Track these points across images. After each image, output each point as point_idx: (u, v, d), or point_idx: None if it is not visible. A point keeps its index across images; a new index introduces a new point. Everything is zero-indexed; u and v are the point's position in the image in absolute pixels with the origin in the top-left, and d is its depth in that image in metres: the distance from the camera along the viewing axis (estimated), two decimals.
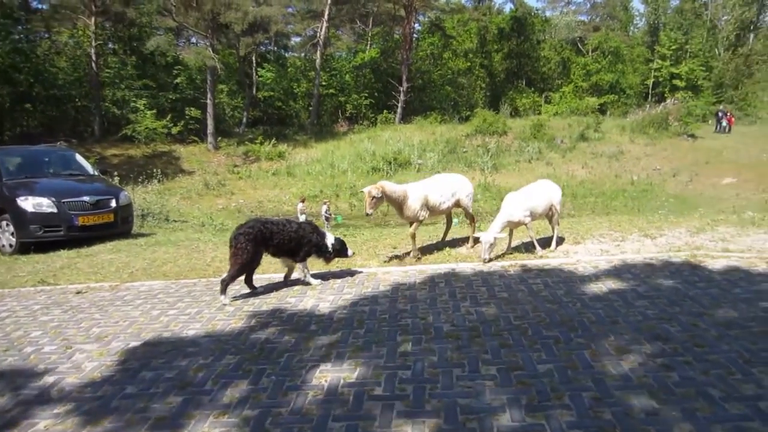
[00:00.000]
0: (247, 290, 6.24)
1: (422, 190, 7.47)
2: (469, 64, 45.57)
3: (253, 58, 39.12)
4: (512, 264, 6.77)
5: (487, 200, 23.39)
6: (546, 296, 5.46)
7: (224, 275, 5.92)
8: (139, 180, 21.66)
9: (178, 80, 33.05)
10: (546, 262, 6.84)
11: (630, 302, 5.16)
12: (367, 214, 7.18)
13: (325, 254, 6.38)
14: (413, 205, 7.31)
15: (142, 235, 12.30)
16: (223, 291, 5.85)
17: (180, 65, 33.26)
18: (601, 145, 31.16)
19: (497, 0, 56.85)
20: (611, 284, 5.76)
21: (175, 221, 17.74)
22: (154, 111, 29.69)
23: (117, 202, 11.18)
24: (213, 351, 4.56)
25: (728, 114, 35.95)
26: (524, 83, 46.69)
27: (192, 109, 31.68)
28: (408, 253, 7.62)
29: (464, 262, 7.07)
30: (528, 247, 7.56)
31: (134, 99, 30.02)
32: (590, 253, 7.25)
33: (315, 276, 6.50)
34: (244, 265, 5.88)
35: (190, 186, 25.79)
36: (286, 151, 31.23)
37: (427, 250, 7.91)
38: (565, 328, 4.62)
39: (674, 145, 30.93)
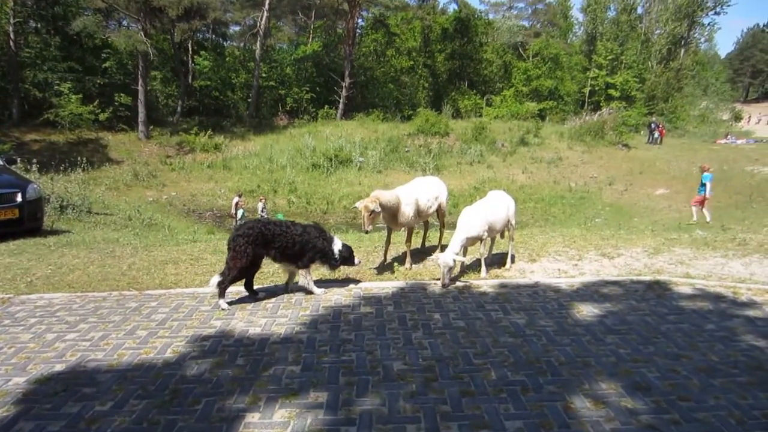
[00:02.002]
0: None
1: (412, 195, 6.90)
2: (412, 62, 45.30)
3: (189, 46, 37.09)
4: (466, 285, 6.24)
5: None
6: (507, 327, 4.93)
7: (216, 278, 5.36)
8: (62, 168, 19.77)
9: (107, 64, 30.72)
10: (502, 282, 6.34)
11: (599, 338, 4.72)
12: (366, 232, 6.47)
13: (331, 261, 5.89)
14: (407, 210, 6.75)
15: (55, 232, 10.95)
16: (221, 295, 5.39)
17: (109, 49, 30.90)
18: (540, 150, 31.65)
19: None
20: (576, 314, 5.32)
21: (98, 214, 16.24)
22: (80, 95, 27.41)
23: (24, 196, 9.78)
24: (114, 393, 3.72)
25: (660, 126, 37.55)
26: (466, 85, 46.94)
27: (122, 95, 29.56)
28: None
29: (414, 280, 6.46)
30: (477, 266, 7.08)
31: (58, 82, 27.62)
32: (548, 273, 6.83)
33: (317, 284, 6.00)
34: (243, 268, 5.40)
35: (118, 176, 23.96)
36: (223, 144, 29.74)
37: (370, 264, 7.26)
38: (533, 371, 4.08)
39: (610, 154, 31.87)
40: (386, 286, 6.18)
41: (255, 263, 5.55)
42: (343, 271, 6.65)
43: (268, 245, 5.46)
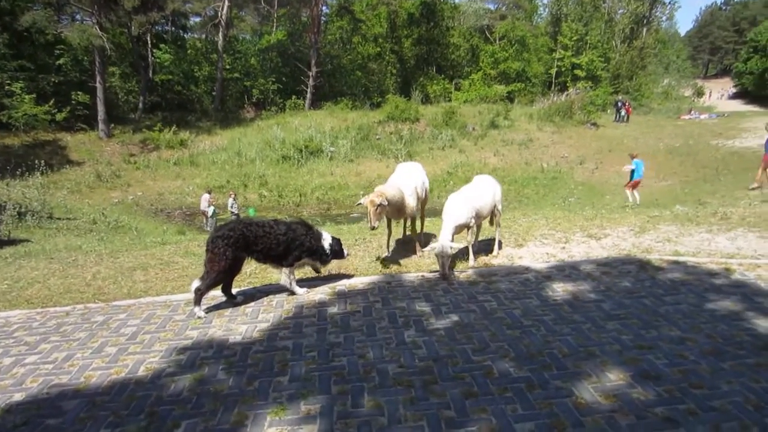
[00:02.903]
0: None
1: (411, 185, 6.66)
2: (379, 49, 44.65)
3: (148, 39, 35.72)
4: (456, 274, 5.97)
5: None
6: (503, 318, 4.69)
7: (197, 282, 4.95)
8: (18, 172, 18.80)
9: (61, 61, 29.26)
10: (491, 270, 6.10)
11: (600, 325, 4.51)
12: (373, 228, 6.10)
13: (322, 257, 5.55)
14: (410, 201, 6.55)
15: (12, 242, 10.31)
16: (198, 302, 5.05)
17: (63, 45, 29.45)
18: (511, 132, 31.59)
19: None
20: (571, 299, 5.11)
21: (60, 219, 15.51)
22: (34, 95, 26.08)
23: None
24: (83, 422, 3.34)
25: (626, 104, 37.93)
26: (434, 70, 46.51)
27: (79, 93, 28.24)
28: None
29: (401, 273, 6.17)
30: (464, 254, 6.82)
31: (9, 81, 26.21)
32: (536, 258, 6.61)
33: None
34: (222, 272, 5.02)
35: (80, 178, 22.97)
36: (189, 139, 28.79)
37: (356, 257, 6.93)
38: (537, 365, 3.85)
39: (579, 134, 32.03)
40: (371, 281, 5.87)
41: (235, 267, 5.20)
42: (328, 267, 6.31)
43: (249, 247, 5.11)
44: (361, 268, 6.38)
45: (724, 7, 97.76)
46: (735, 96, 61.27)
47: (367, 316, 4.85)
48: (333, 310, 5.03)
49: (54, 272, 6.90)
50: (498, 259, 6.64)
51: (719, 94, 63.15)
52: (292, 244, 5.28)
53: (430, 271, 6.14)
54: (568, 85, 44.86)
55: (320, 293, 5.50)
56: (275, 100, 37.17)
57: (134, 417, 3.36)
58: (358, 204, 6.41)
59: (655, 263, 6.13)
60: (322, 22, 40.68)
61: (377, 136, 29.74)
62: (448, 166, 25.54)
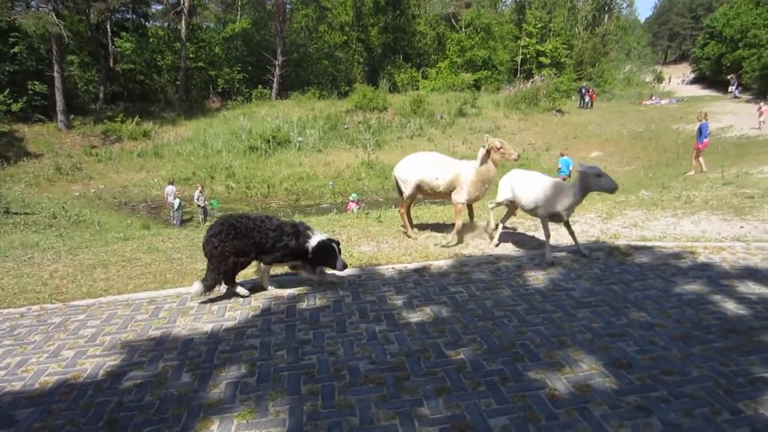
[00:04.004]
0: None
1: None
2: (345, 37, 44.26)
3: (108, 27, 34.54)
4: (426, 266, 5.90)
5: (372, 178, 22.70)
6: (474, 310, 4.64)
7: (198, 284, 4.97)
8: None
9: (15, 49, 28.01)
10: (462, 260, 6.06)
11: (571, 313, 4.51)
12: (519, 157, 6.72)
13: (304, 261, 5.28)
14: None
15: None
16: (232, 284, 5.17)
17: (17, 32, 28.19)
18: (478, 120, 31.76)
19: None
20: (542, 288, 5.10)
21: (17, 214, 14.92)
22: None
23: None
24: None
25: (590, 90, 38.55)
26: (401, 58, 46.38)
27: (36, 83, 27.19)
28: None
29: (372, 266, 6.07)
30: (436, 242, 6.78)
31: None
32: (507, 247, 6.60)
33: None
34: (230, 270, 5.04)
35: (38, 171, 22.15)
36: (152, 130, 28.06)
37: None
38: (509, 357, 3.81)
39: (545, 120, 32.42)
40: (340, 275, 5.73)
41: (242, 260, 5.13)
42: None
43: (243, 240, 5.01)
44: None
45: None
46: (694, 81, 62.90)
47: (337, 311, 4.75)
48: (302, 305, 4.90)
49: (8, 271, 6.57)
50: (468, 249, 6.61)
51: (679, 79, 64.72)
52: (277, 242, 5.11)
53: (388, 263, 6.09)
54: (533, 72, 45.31)
55: (289, 288, 5.36)
56: (241, 90, 36.51)
57: (93, 425, 3.19)
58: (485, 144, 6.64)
59: (623, 249, 6.19)
60: (288, 10, 40.01)
61: (345, 126, 29.51)
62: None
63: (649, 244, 6.37)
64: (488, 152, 6.61)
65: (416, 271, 5.72)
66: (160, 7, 38.32)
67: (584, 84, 41.38)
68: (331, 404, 3.31)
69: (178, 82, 34.74)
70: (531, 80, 39.85)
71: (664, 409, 3.17)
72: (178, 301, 5.13)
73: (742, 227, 7.17)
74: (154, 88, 34.79)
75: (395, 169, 7.28)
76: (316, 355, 3.94)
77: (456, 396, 3.37)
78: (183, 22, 33.65)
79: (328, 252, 5.16)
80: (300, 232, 5.21)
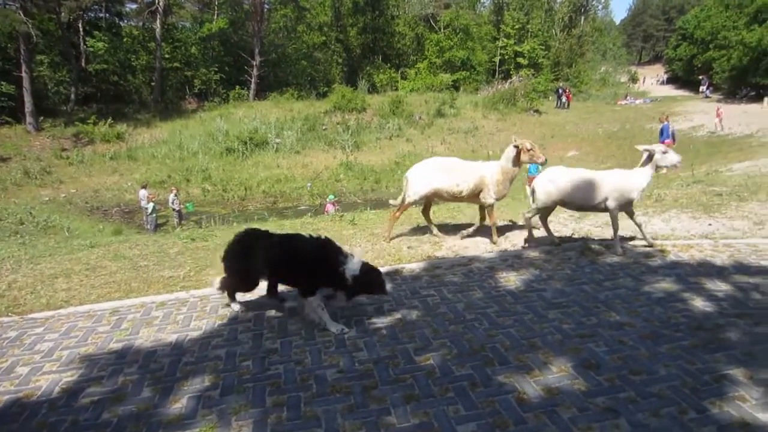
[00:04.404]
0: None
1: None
2: (324, 38, 44.05)
3: (80, 26, 33.82)
4: (398, 269, 5.84)
5: (350, 179, 22.59)
6: (446, 314, 4.60)
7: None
8: None
9: None
10: (434, 262, 6.01)
11: (542, 314, 4.50)
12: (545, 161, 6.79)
13: (344, 289, 4.42)
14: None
15: None
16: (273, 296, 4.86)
17: None
18: (457, 121, 31.86)
19: None
20: (513, 289, 5.08)
21: None
22: None
23: None
24: None
25: (566, 90, 38.95)
26: (380, 59, 46.35)
27: (3, 83, 26.49)
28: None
29: None
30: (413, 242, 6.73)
31: None
32: (480, 248, 6.59)
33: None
34: (237, 286, 4.80)
35: (5, 175, 21.55)
36: (126, 132, 27.52)
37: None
38: (479, 361, 3.77)
39: (522, 120, 32.65)
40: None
41: (250, 281, 4.75)
42: None
43: (256, 259, 4.56)
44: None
45: None
46: (667, 81, 64.03)
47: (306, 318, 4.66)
48: (271, 313, 4.81)
49: None
50: (442, 251, 6.57)
51: (653, 79, 65.79)
52: (310, 265, 4.38)
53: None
54: (511, 72, 45.68)
55: (256, 296, 5.24)
56: (218, 91, 36.07)
57: None
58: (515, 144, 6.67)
59: (594, 248, 6.21)
60: (265, 10, 39.66)
61: (324, 127, 29.35)
62: (395, 155, 25.49)
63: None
64: (519, 152, 6.64)
65: (388, 274, 5.64)
66: (134, 6, 37.66)
67: (561, 84, 41.79)
68: (297, 416, 3.23)
69: (153, 83, 34.16)
70: (509, 81, 40.14)
71: (631, 410, 3.17)
72: (143, 311, 4.98)
73: (710, 225, 7.27)
74: (128, 89, 34.18)
75: (408, 174, 7.13)
76: (283, 365, 3.86)
77: (424, 403, 3.31)
78: (158, 21, 33.08)
79: (377, 276, 4.49)
80: (338, 253, 4.44)
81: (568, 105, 37.66)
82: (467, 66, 45.18)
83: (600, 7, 61.29)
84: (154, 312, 4.95)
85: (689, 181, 11.42)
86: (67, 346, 4.31)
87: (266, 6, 40.08)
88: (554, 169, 6.36)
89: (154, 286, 5.65)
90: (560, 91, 38.64)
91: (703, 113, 31.71)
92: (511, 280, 5.35)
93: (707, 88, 46.10)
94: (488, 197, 6.73)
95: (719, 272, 5.34)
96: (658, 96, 46.94)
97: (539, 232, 6.89)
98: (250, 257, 4.51)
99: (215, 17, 40.56)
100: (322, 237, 4.59)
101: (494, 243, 6.82)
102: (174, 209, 17.29)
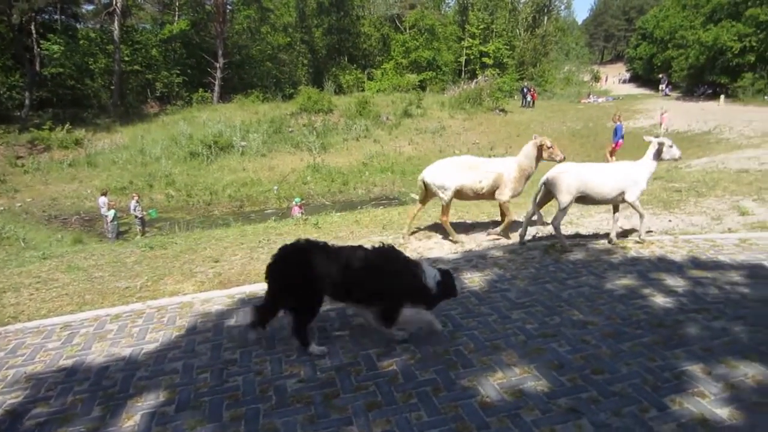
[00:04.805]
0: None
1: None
2: (289, 39, 43.66)
3: (33, 28, 32.68)
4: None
5: (318, 181, 22.39)
6: None
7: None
8: None
9: None
10: None
11: (505, 315, 4.48)
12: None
13: (426, 301, 4.04)
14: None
15: None
16: (306, 342, 3.96)
17: None
18: (424, 121, 31.95)
19: None
20: (477, 290, 5.06)
21: None
22: None
23: None
24: None
25: (531, 90, 39.48)
26: (346, 60, 46.23)
27: None
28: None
29: None
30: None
31: None
32: (445, 249, 6.56)
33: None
34: (306, 310, 3.94)
35: None
36: (85, 138, 26.68)
37: (259, 261, 6.55)
38: (443, 365, 3.73)
39: (489, 120, 32.95)
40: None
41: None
42: (225, 274, 5.91)
43: (314, 275, 3.89)
44: (263, 272, 5.96)
45: None
46: (629, 80, 65.69)
47: (268, 324, 4.53)
48: (230, 322, 4.66)
49: None
50: (406, 252, 6.49)
51: (615, 78, 67.39)
52: (384, 280, 3.87)
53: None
54: (477, 72, 46.08)
55: (217, 304, 5.10)
56: (181, 94, 35.38)
57: None
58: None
59: (557, 247, 6.25)
60: (228, 11, 39.08)
61: (290, 129, 29.05)
62: (363, 156, 25.39)
63: (582, 241, 6.45)
64: (539, 149, 6.77)
65: None
66: (90, 8, 36.61)
67: (526, 83, 42.34)
68: (255, 429, 3.12)
69: (112, 87, 33.27)
70: (475, 80, 40.45)
71: (594, 410, 3.17)
72: (96, 324, 4.77)
73: (670, 221, 7.41)
74: (86, 93, 33.15)
75: (426, 176, 7.00)
76: (242, 376, 3.73)
77: (387, 411, 3.25)
78: (116, 23, 32.23)
79: (452, 278, 4.19)
80: (412, 263, 4.11)
81: (533, 104, 38.19)
82: (433, 66, 45.41)
83: (562, 7, 62.56)
84: (108, 325, 4.74)
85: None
86: (12, 365, 4.08)
87: (229, 7, 39.52)
88: (569, 165, 6.44)
89: (108, 298, 5.43)
90: (525, 90, 39.14)
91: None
92: (475, 280, 5.32)
93: (666, 87, 47.44)
94: (504, 194, 6.82)
95: (679, 268, 5.43)
96: (620, 94, 48.06)
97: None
98: (314, 276, 3.82)
99: (176, 19, 39.78)
100: (385, 245, 4.10)
101: (507, 238, 6.96)
102: (136, 216, 16.82)
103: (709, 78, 40.37)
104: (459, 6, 53.46)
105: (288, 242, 4.19)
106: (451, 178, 6.78)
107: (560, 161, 6.81)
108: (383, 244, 4.14)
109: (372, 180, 22.49)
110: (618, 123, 17.04)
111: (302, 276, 3.82)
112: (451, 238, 7.01)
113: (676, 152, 6.35)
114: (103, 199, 16.82)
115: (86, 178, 22.63)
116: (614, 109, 35.55)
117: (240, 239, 7.32)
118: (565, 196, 6.12)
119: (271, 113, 30.99)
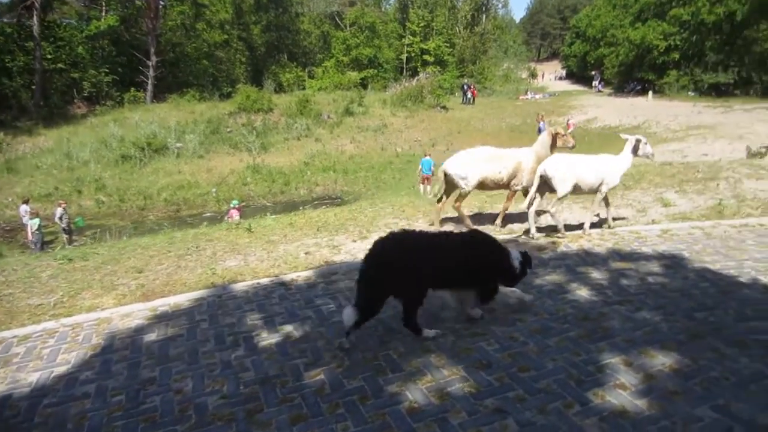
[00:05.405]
0: None
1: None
2: (226, 36, 42.50)
3: None
4: (294, 278, 5.59)
5: (258, 182, 21.88)
6: (340, 323, 4.37)
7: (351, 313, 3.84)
8: None
9: None
10: (332, 269, 5.82)
11: (437, 315, 4.45)
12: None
13: (513, 279, 4.39)
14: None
15: None
16: (418, 330, 4.03)
17: None
18: (366, 119, 31.88)
19: None
20: None
21: None
22: None
23: None
24: None
25: (471, 87, 40.15)
26: (286, 57, 45.58)
27: None
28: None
29: (236, 282, 5.63)
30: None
31: None
32: None
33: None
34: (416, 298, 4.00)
35: None
36: (3, 142, 25.00)
37: (186, 269, 6.26)
38: (371, 371, 3.64)
39: (430, 117, 33.23)
40: (199, 296, 5.24)
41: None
42: (149, 285, 5.60)
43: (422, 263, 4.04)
44: (190, 282, 5.74)
45: None
46: (566, 77, 67.99)
47: (190, 339, 4.31)
48: (151, 337, 4.40)
49: None
50: (340, 255, 6.40)
51: (551, 75, 69.61)
52: (483, 263, 4.14)
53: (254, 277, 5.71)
54: (418, 70, 46.41)
55: (138, 318, 4.80)
56: (111, 94, 33.74)
57: None
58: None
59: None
60: (160, 6, 37.62)
61: (228, 129, 28.29)
62: (304, 156, 25.01)
63: (513, 236, 6.53)
64: (554, 138, 7.16)
65: (283, 284, 5.40)
66: (4, 1, 34.27)
67: (466, 81, 43.04)
68: None
69: (34, 86, 31.33)
70: (416, 78, 40.76)
71: (519, 409, 3.18)
72: (1, 348, 4.39)
73: (597, 215, 7.62)
74: (3, 93, 31.04)
75: (448, 167, 7.21)
76: (160, 396, 3.52)
77: (312, 423, 3.14)
78: (35, 17, 30.33)
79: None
80: (500, 245, 4.43)
81: (474, 101, 38.85)
82: (375, 64, 45.44)
83: (500, 5, 64.01)
84: (15, 348, 4.38)
85: None
86: None
87: (161, 2, 38.05)
88: (560, 156, 6.76)
89: (18, 318, 5.03)
90: (465, 87, 39.76)
91: (596, 106, 33.92)
92: None
93: (599, 83, 49.41)
94: (518, 184, 7.12)
95: (604, 261, 5.58)
96: (556, 91, 49.63)
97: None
98: (416, 264, 3.89)
99: (104, 14, 37.90)
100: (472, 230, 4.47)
101: (500, 227, 7.24)
102: (62, 226, 15.87)
103: (638, 75, 42.25)
104: (399, 3, 53.73)
105: (381, 236, 4.25)
106: (474, 169, 7.01)
107: (572, 148, 7.29)
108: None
109: (314, 180, 22.18)
110: (541, 122, 17.98)
111: (404, 265, 3.86)
112: (465, 223, 7.25)
113: (649, 150, 6.76)
114: (24, 207, 15.78)
115: (6, 185, 21.17)
116: (551, 106, 36.83)
117: (167, 247, 6.99)
118: (562, 189, 6.45)
119: (209, 113, 30.08)
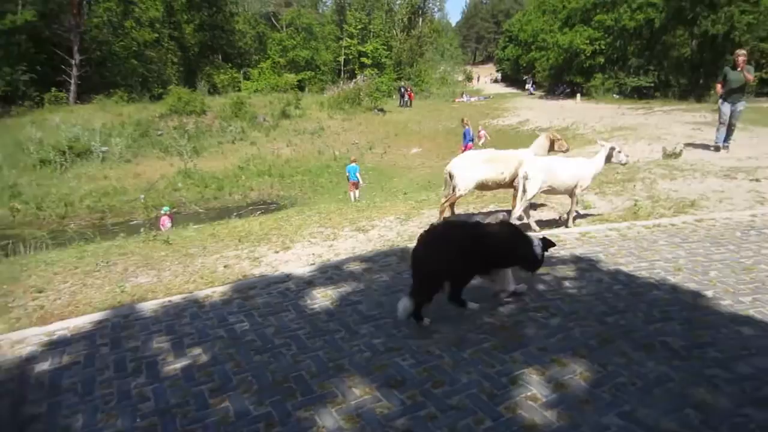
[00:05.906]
0: None
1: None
2: (156, 35, 40.87)
3: None
4: (209, 294, 5.31)
5: (190, 188, 21.13)
6: (252, 342, 4.22)
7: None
8: None
9: None
10: (251, 283, 5.58)
11: (354, 330, 4.31)
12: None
13: (535, 265, 4.75)
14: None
15: None
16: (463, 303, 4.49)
17: None
18: (302, 122, 31.51)
19: None
20: (329, 305, 4.85)
21: None
22: None
23: None
24: None
25: (408, 89, 40.51)
26: (221, 58, 44.39)
27: None
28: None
29: (146, 301, 5.30)
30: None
31: None
32: (302, 261, 6.30)
33: None
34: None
35: None
36: None
37: (92, 287, 5.85)
38: (280, 395, 3.46)
39: (368, 120, 33.25)
40: (103, 317, 4.87)
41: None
42: (49, 306, 5.18)
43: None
44: (95, 302, 5.36)
45: (484, 1, 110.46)
46: (501, 80, 69.93)
47: (88, 367, 3.97)
48: (43, 367, 4.03)
49: None
50: (260, 267, 6.18)
51: (486, 78, 71.44)
52: (515, 249, 4.56)
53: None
54: (356, 72, 46.40)
55: (32, 344, 4.41)
56: (29, 94, 31.67)
57: None
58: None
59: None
60: (85, 2, 35.71)
61: (159, 132, 27.21)
62: (239, 160, 24.41)
63: None
64: (552, 142, 7.61)
65: (196, 301, 5.12)
66: None
67: (403, 83, 43.39)
68: None
69: None
70: (354, 80, 40.71)
71: (430, 428, 3.09)
72: None
73: (520, 218, 7.74)
74: None
75: (452, 168, 7.48)
76: None
77: None
78: None
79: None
80: (521, 232, 4.80)
81: (411, 103, 39.20)
82: (312, 66, 45.09)
83: (436, 9, 65.05)
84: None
85: None
86: None
87: None
88: (541, 160, 7.06)
89: None
90: (403, 90, 40.07)
91: (528, 109, 34.89)
92: (327, 294, 5.12)
93: (531, 86, 51.10)
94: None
95: None
96: (491, 93, 50.89)
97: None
98: (460, 252, 4.24)
99: (19, 9, 35.54)
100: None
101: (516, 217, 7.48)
102: None
103: (567, 78, 43.96)
104: (336, 5, 53.57)
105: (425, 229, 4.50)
106: (477, 171, 7.31)
107: (566, 151, 7.73)
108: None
109: (249, 184, 21.65)
110: (466, 127, 18.63)
111: (449, 254, 4.19)
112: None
113: (623, 158, 7.08)
114: None
115: None
116: (486, 108, 37.68)
117: (75, 263, 6.52)
118: (531, 190, 6.78)
119: (137, 115, 28.83)
